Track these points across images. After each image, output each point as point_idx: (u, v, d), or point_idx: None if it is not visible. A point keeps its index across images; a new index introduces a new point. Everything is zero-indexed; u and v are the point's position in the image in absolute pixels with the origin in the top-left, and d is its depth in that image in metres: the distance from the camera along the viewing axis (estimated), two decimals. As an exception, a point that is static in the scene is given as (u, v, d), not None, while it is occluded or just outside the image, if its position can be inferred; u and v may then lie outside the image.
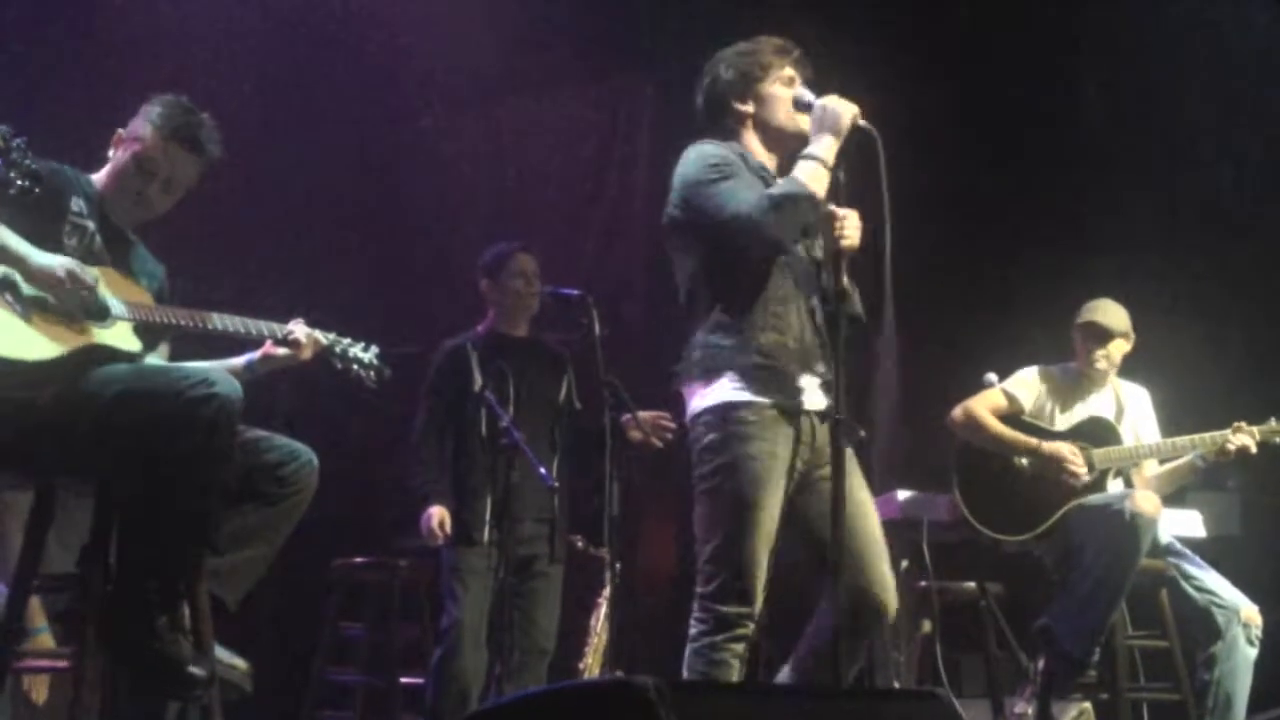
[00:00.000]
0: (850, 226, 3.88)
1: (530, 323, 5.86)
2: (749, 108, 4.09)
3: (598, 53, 7.58)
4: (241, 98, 6.62)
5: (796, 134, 4.03)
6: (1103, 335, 5.63)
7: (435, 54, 7.41)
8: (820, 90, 4.00)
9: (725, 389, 3.87)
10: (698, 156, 3.98)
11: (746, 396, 3.85)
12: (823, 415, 3.89)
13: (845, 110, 3.90)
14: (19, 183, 3.35)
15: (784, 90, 4.07)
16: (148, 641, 3.38)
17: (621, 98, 7.76)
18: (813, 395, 3.92)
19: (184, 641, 3.43)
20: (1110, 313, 5.65)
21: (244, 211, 6.84)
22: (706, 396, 3.90)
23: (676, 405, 4.23)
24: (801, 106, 4.01)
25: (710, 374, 3.89)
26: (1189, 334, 6.83)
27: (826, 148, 3.88)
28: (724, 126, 4.11)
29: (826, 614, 3.82)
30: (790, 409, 3.88)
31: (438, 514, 5.51)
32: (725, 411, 3.86)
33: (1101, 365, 5.65)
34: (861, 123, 3.90)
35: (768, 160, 4.07)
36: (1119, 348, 5.66)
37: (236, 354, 4.05)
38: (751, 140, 4.09)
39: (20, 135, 3.38)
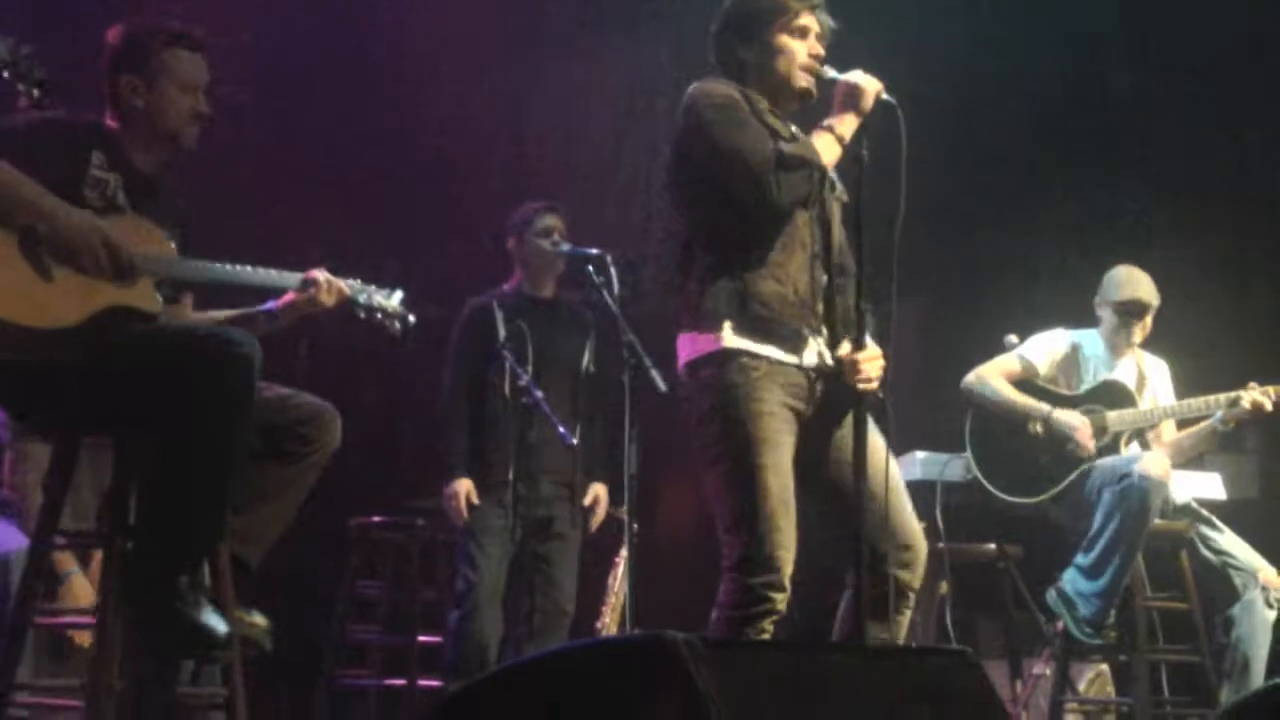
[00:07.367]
0: (871, 366, 3.76)
1: (556, 283, 5.85)
2: (750, 55, 3.90)
3: (619, 10, 7.53)
4: (260, 55, 6.59)
5: (796, 92, 3.89)
6: (1142, 310, 5.61)
7: (455, 10, 7.38)
8: (846, 64, 3.88)
9: (721, 337, 3.71)
10: (701, 96, 3.80)
11: (744, 344, 3.70)
12: (823, 373, 3.76)
13: (869, 86, 3.80)
14: (29, 93, 3.30)
15: (793, 42, 3.87)
16: (169, 601, 3.37)
17: (642, 56, 7.71)
18: (811, 354, 3.77)
19: (205, 601, 3.43)
20: (1145, 286, 5.62)
21: (265, 169, 6.83)
22: (702, 344, 3.74)
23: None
24: (824, 83, 3.87)
25: (706, 321, 3.72)
26: (1211, 297, 6.80)
27: (846, 124, 3.79)
28: (729, 68, 3.93)
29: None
30: (788, 363, 3.73)
31: (463, 490, 5.54)
32: (722, 361, 3.70)
33: (1138, 338, 5.64)
34: (885, 96, 3.81)
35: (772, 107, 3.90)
36: (1151, 317, 5.64)
37: (258, 304, 3.98)
38: (756, 85, 3.90)
39: (26, 44, 3.31)
